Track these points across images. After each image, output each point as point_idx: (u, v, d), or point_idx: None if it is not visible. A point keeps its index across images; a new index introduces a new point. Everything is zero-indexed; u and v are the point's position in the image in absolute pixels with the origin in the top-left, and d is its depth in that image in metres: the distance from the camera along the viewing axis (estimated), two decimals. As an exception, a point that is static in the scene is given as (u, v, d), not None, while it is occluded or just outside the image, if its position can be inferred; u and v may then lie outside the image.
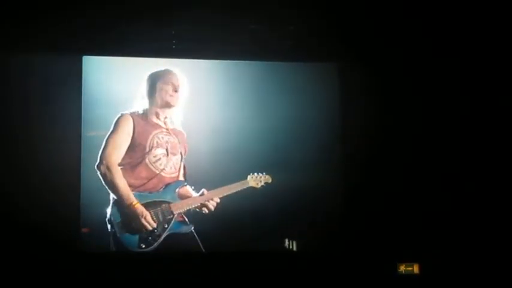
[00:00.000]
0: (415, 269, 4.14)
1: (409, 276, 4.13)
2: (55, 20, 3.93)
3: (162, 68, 4.07)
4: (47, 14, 3.91)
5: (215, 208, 4.00)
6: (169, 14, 3.98)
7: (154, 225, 3.89)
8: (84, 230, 3.92)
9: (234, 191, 4.06)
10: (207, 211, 3.99)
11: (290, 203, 4.17)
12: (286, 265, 4.08)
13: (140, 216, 3.86)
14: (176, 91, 4.02)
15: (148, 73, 4.04)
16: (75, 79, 4.00)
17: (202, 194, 4.00)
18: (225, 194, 4.04)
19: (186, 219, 4.01)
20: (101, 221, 3.87)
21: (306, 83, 4.31)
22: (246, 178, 4.12)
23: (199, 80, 4.12)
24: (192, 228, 3.99)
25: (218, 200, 4.00)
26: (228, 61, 4.23)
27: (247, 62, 4.25)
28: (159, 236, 3.91)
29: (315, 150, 4.26)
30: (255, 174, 4.13)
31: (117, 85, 4.03)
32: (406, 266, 4.14)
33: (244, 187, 4.10)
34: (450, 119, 4.28)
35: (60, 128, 3.97)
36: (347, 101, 4.31)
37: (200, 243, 4.00)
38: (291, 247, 4.16)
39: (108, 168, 3.87)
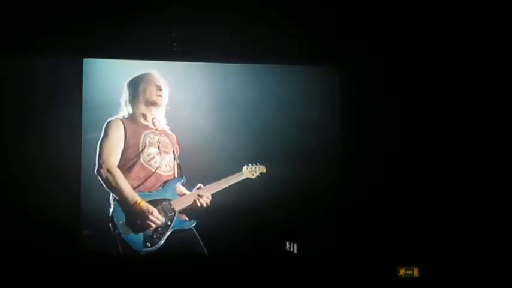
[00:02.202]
0: (415, 272, 4.13)
1: (409, 279, 4.12)
2: (56, 22, 3.97)
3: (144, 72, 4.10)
4: (48, 17, 3.96)
5: (209, 204, 4.03)
6: (170, 17, 4.06)
7: (163, 219, 3.94)
8: (85, 232, 3.94)
9: (231, 183, 4.11)
10: (203, 206, 4.02)
11: (288, 204, 4.18)
12: (285, 268, 4.07)
13: (147, 213, 3.91)
14: (161, 90, 4.08)
15: (128, 80, 4.07)
16: (75, 81, 4.02)
17: (199, 188, 4.04)
18: (223, 187, 4.08)
19: (186, 217, 4.04)
20: (103, 222, 3.90)
21: (302, 84, 4.33)
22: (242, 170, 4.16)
23: (192, 81, 4.17)
24: (194, 223, 4.03)
25: (210, 197, 4.03)
26: (223, 64, 4.26)
27: (242, 64, 4.29)
28: (163, 233, 3.95)
29: (312, 152, 4.28)
30: (250, 165, 4.18)
31: (118, 87, 4.06)
32: (406, 270, 4.13)
33: (241, 179, 4.15)
34: (450, 119, 4.28)
35: (61, 130, 3.98)
36: (345, 99, 4.31)
37: (202, 241, 4.02)
38: (291, 249, 4.17)
39: (108, 171, 3.91)
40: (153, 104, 4.06)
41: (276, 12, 4.13)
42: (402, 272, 4.12)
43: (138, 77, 4.08)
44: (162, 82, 4.09)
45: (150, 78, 4.08)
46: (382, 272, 4.07)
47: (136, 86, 4.05)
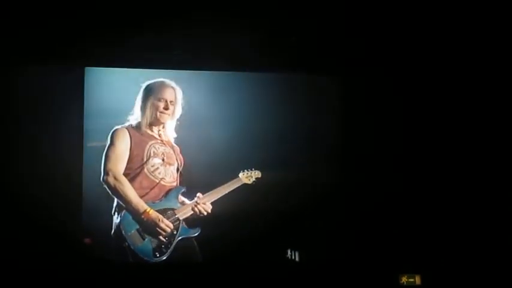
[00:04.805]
0: (417, 280, 4.12)
1: (411, 287, 4.12)
2: (57, 31, 3.96)
3: (161, 79, 4.09)
4: (49, 25, 3.94)
5: (209, 211, 4.08)
6: (171, 25, 4.05)
7: (172, 226, 3.97)
8: (86, 240, 3.95)
9: (230, 189, 4.17)
10: (203, 213, 4.08)
11: (289, 210, 4.28)
12: (285, 275, 4.12)
13: (157, 221, 3.93)
14: (167, 108, 4.06)
15: (146, 83, 4.07)
16: (77, 90, 4.02)
17: (197, 197, 4.09)
18: (223, 194, 4.13)
19: (190, 225, 4.09)
20: (105, 231, 3.90)
21: (298, 91, 4.41)
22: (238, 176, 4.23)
23: (197, 91, 4.20)
24: (199, 231, 4.07)
25: (207, 203, 4.09)
26: (221, 72, 4.30)
27: (240, 73, 4.35)
28: (171, 242, 3.98)
29: (312, 158, 4.37)
30: (246, 170, 4.26)
31: (119, 96, 4.06)
32: (407, 277, 4.14)
33: (238, 185, 4.21)
34: (453, 126, 4.30)
35: (62, 138, 3.98)
36: (340, 106, 4.37)
37: (204, 249, 4.08)
38: (292, 257, 4.24)
39: (116, 178, 3.90)
40: (157, 121, 4.06)
41: (275, 18, 4.17)
42: (404, 279, 4.13)
43: (153, 84, 4.07)
44: (176, 97, 4.08)
45: (162, 91, 4.06)
46: (383, 279, 4.10)
47: (148, 96, 4.04)
